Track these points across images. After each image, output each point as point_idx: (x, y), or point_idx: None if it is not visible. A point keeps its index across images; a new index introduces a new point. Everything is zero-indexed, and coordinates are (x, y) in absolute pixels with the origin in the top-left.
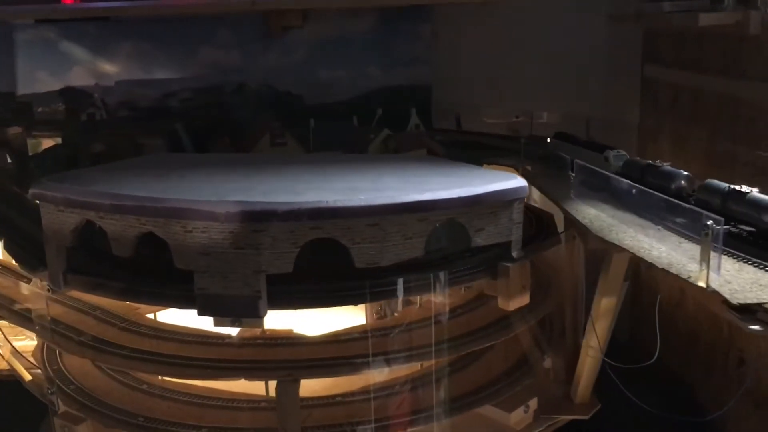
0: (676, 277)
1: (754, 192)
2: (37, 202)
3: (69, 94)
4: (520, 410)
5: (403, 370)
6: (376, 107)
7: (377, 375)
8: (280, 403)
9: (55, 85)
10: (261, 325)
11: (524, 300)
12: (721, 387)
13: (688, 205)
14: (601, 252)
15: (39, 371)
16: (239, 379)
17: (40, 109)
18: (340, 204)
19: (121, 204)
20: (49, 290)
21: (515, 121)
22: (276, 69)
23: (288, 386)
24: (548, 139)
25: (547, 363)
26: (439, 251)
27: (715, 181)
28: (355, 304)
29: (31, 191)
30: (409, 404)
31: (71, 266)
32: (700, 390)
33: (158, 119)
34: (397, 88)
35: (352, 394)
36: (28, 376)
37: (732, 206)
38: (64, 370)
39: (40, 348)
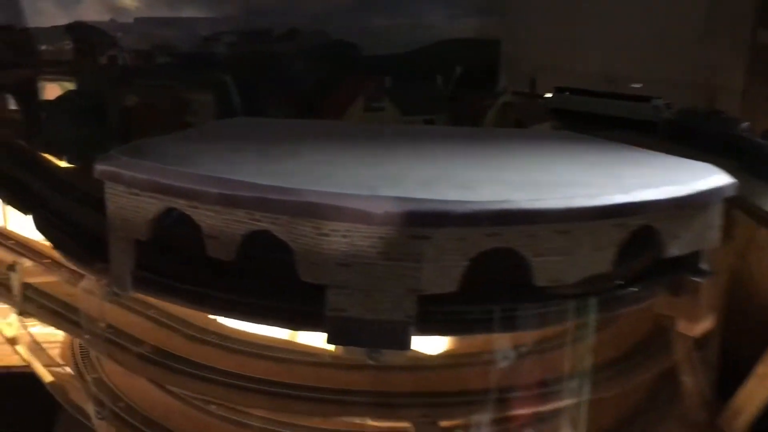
0: None
1: None
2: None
3: (79, 30)
4: None
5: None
6: (442, 62)
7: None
8: None
9: (63, 19)
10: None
11: (709, 324)
12: None
13: None
14: None
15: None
16: (364, 419)
17: (44, 47)
18: (531, 206)
19: (233, 194)
20: (108, 292)
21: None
22: (326, 13)
23: (426, 428)
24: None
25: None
26: (623, 264)
27: None
28: (527, 330)
29: (98, 168)
30: None
31: (141, 264)
32: None
33: (201, 69)
34: (462, 41)
35: None
36: (48, 377)
37: None
38: (107, 380)
39: (69, 346)
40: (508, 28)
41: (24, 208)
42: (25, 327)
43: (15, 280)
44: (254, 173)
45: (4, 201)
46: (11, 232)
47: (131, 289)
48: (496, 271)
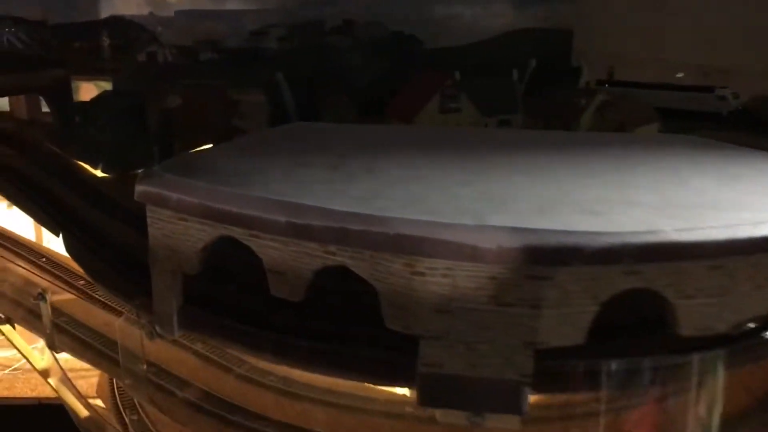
0: None
1: None
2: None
3: (115, 25)
4: None
5: None
6: (509, 55)
7: None
8: None
9: (98, 14)
10: (516, 424)
11: None
12: None
13: None
14: None
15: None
16: None
17: (77, 44)
18: (682, 238)
19: (305, 223)
20: (150, 332)
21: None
22: (381, 2)
23: None
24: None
25: None
26: None
27: None
28: (663, 384)
29: (140, 189)
30: None
31: (190, 297)
32: None
33: (250, 66)
34: (531, 31)
35: None
36: (84, 412)
37: None
38: (150, 424)
39: (107, 379)
40: (579, 15)
41: (54, 226)
42: (56, 359)
43: (45, 310)
44: (327, 195)
45: (32, 216)
46: (44, 248)
47: (177, 329)
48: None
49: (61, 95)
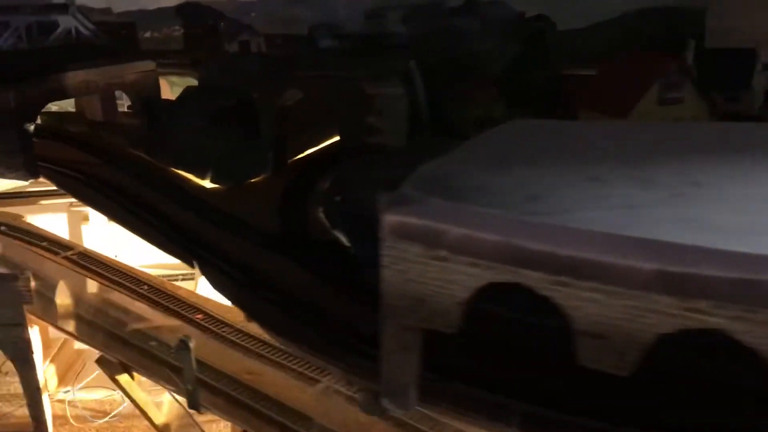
0: None
1: None
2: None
3: (191, 11)
4: None
5: None
6: (640, 36)
7: None
8: None
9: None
10: None
11: None
12: None
13: None
14: None
15: None
16: None
17: (147, 34)
18: None
19: (682, 272)
20: (372, 406)
21: None
22: None
23: None
24: None
25: None
26: None
27: None
28: None
29: (392, 220)
30: None
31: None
32: None
33: (377, 53)
34: (662, 10)
35: None
36: None
37: None
38: None
39: None
40: None
41: (184, 254)
42: (195, 421)
43: (187, 361)
44: (666, 223)
45: (153, 243)
46: (184, 291)
47: (414, 403)
48: None
49: (150, 91)
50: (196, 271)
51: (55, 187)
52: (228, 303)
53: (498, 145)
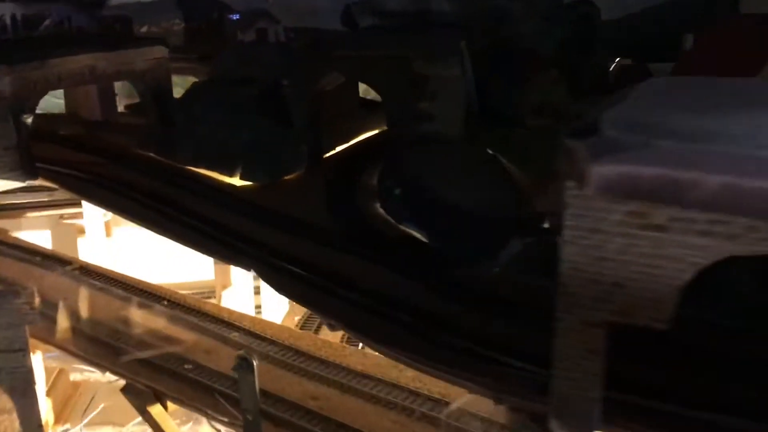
0: None
1: None
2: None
3: (193, 3)
4: None
5: None
6: (680, 22)
7: None
8: None
9: None
10: None
11: None
12: None
13: None
14: None
15: None
16: None
17: (144, 28)
18: None
19: None
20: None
21: None
22: None
23: None
24: None
25: None
26: None
27: None
28: None
29: (602, 172)
30: None
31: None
32: None
33: (426, 33)
34: None
35: None
36: None
37: None
38: None
39: None
40: None
41: (241, 259)
42: None
43: (250, 383)
44: None
45: (199, 249)
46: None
47: (597, 426)
48: None
49: (159, 85)
50: (218, 289)
51: (37, 201)
52: (270, 319)
53: (663, 96)
